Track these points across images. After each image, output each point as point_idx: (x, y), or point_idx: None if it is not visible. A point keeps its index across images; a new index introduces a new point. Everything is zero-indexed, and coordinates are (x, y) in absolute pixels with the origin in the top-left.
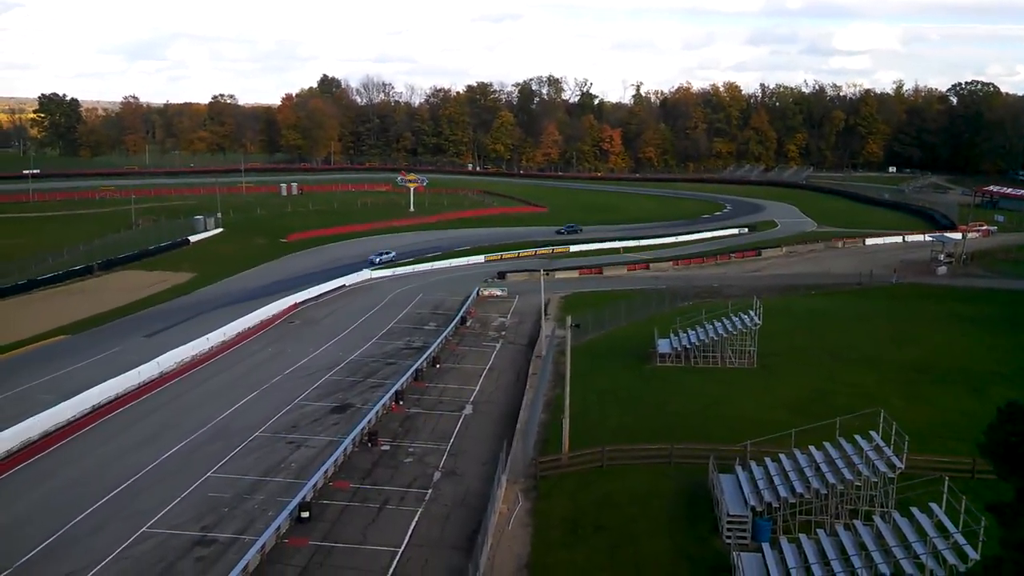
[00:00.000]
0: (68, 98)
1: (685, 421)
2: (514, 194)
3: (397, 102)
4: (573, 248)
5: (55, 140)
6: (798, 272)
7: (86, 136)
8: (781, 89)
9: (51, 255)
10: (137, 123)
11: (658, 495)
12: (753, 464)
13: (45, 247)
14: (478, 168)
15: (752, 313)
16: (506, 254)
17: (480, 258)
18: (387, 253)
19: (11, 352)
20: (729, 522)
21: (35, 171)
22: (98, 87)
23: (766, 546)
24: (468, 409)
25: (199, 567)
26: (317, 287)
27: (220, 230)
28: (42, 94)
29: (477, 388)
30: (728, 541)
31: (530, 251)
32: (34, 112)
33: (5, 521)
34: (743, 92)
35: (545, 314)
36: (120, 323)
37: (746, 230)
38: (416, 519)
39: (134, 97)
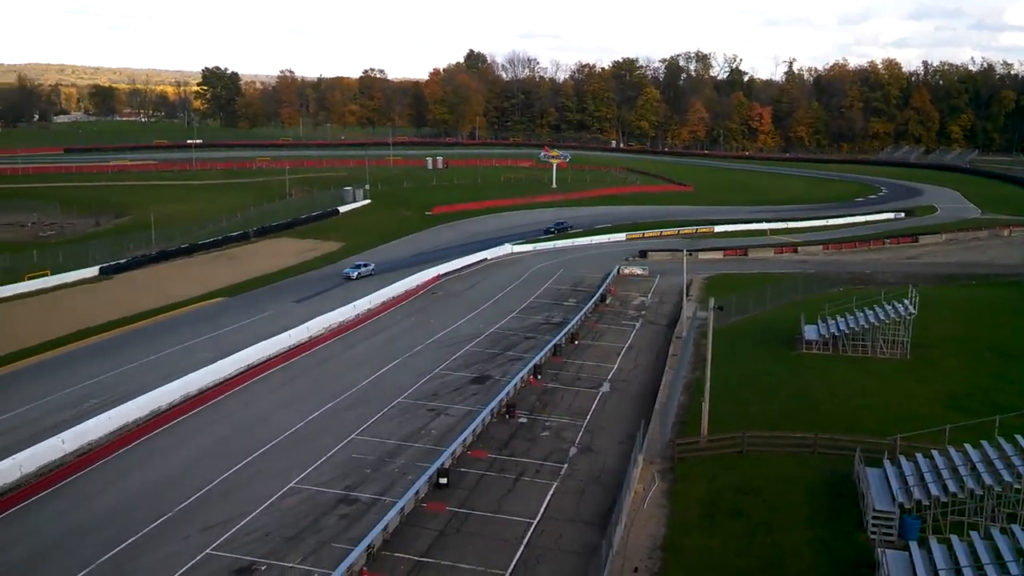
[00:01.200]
0: (229, 71)
1: (830, 410)
2: (658, 172)
3: (542, 78)
4: (718, 228)
5: (216, 112)
6: (958, 261)
7: (244, 108)
8: (945, 67)
9: (211, 221)
10: (292, 96)
11: (799, 485)
12: (903, 459)
13: (205, 214)
14: (622, 145)
15: (907, 302)
16: (648, 232)
17: (621, 236)
18: (366, 265)
19: (173, 312)
20: (875, 517)
21: (198, 141)
22: (257, 61)
23: (914, 545)
24: (605, 387)
25: (342, 524)
26: (459, 260)
27: (368, 201)
28: (205, 67)
29: (615, 366)
30: (873, 537)
31: (673, 230)
32: (198, 85)
33: (168, 469)
34: (903, 70)
35: (687, 295)
36: (272, 288)
37: (903, 215)
38: (551, 492)
39: (290, 71)
